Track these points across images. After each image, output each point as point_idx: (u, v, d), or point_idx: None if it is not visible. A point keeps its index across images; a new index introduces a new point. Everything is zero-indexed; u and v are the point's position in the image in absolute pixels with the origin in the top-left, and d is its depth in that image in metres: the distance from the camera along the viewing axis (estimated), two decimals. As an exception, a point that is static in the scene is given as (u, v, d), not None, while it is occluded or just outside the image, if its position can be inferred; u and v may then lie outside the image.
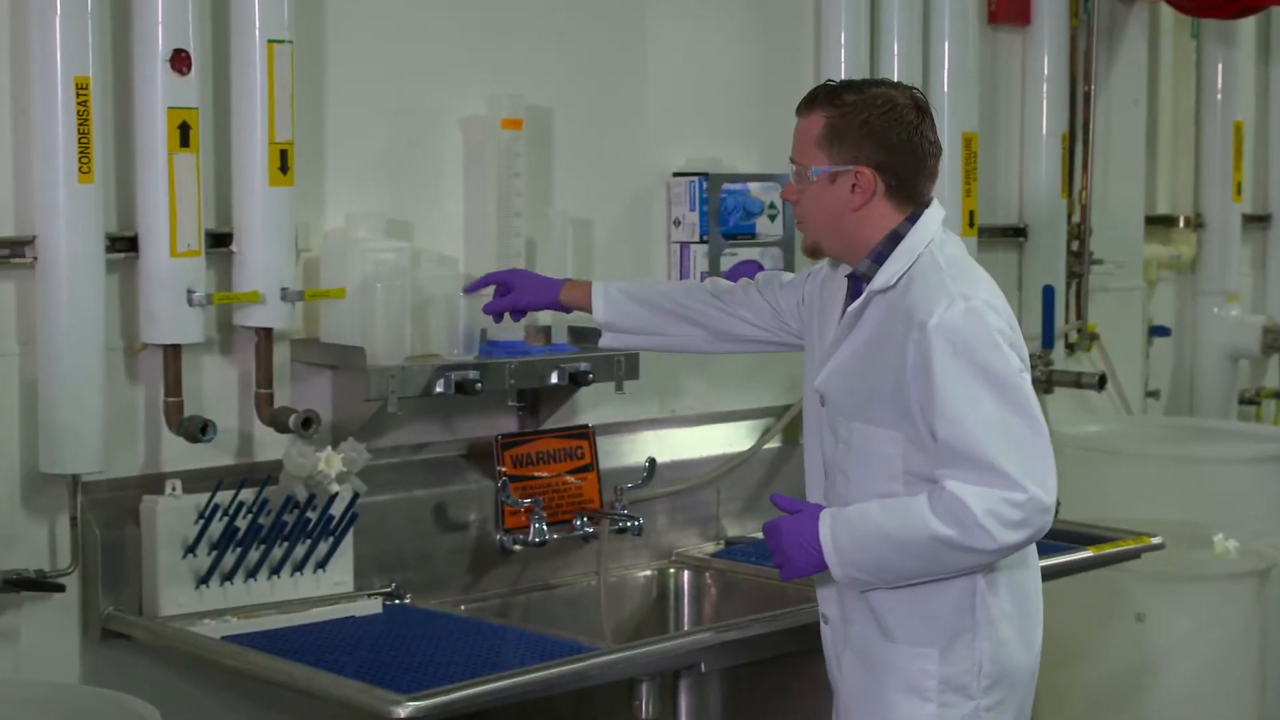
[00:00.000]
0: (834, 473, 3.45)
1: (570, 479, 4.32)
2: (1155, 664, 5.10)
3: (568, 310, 3.90)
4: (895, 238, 3.34)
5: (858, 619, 3.43)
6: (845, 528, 3.31)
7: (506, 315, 3.92)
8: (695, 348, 3.88)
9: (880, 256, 3.35)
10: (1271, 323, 6.79)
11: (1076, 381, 5.63)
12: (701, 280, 3.97)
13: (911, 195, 3.36)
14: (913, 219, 3.36)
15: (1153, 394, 6.56)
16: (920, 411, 3.25)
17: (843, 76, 4.83)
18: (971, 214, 5.27)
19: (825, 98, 3.36)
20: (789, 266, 4.74)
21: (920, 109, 3.37)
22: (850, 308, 3.39)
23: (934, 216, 3.38)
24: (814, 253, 3.49)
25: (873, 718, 3.41)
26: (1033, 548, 3.41)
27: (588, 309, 3.84)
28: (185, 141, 3.63)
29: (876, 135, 3.32)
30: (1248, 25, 6.67)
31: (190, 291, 3.65)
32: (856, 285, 3.42)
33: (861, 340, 3.37)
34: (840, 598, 3.48)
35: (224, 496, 3.68)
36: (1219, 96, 6.64)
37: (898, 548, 3.26)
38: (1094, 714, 5.14)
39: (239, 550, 3.71)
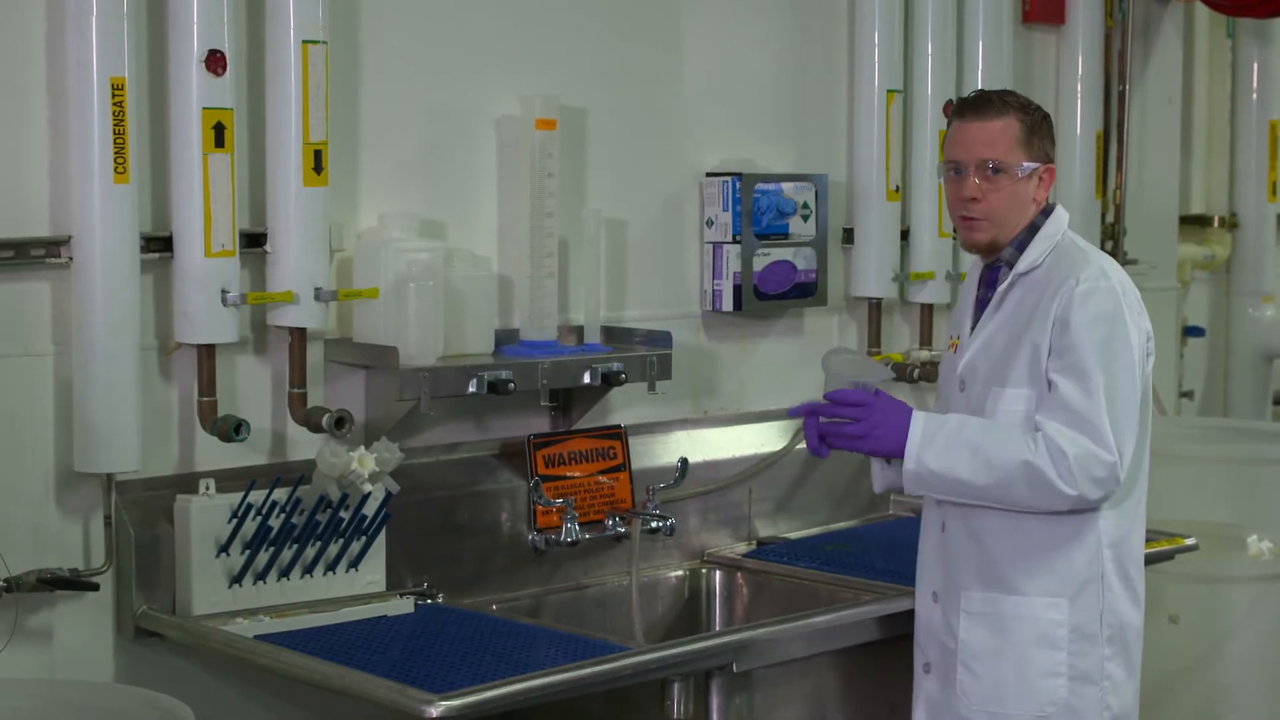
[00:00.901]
0: None
1: (602, 479, 4.32)
2: (1189, 666, 5.08)
3: None
4: (1033, 228, 3.70)
5: (975, 582, 3.66)
6: (938, 425, 3.61)
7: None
8: None
9: (1021, 244, 3.69)
10: (1307, 323, 6.76)
11: (1110, 382, 5.59)
12: None
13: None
14: (1045, 212, 3.72)
15: (1187, 394, 6.54)
16: (1046, 361, 3.57)
17: (877, 77, 4.89)
18: (1005, 214, 5.26)
19: (1004, 103, 3.69)
20: (821, 267, 4.74)
21: None
22: (998, 290, 3.70)
23: (1064, 213, 3.75)
24: (990, 247, 3.71)
25: (1005, 673, 3.63)
26: (1141, 518, 3.74)
27: None
28: (220, 142, 3.64)
29: (1051, 136, 3.74)
30: (1284, 24, 6.65)
31: (224, 291, 3.66)
32: (992, 275, 3.73)
33: (1003, 318, 3.67)
34: (946, 569, 3.71)
35: (257, 496, 3.69)
36: (1254, 96, 6.63)
37: (983, 462, 3.56)
38: (1127, 715, 5.12)
39: (272, 549, 3.72)
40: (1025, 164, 3.65)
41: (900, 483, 3.70)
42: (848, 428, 3.65)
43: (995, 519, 3.63)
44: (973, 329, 3.75)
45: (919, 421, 3.61)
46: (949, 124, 3.77)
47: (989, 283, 3.76)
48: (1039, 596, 3.62)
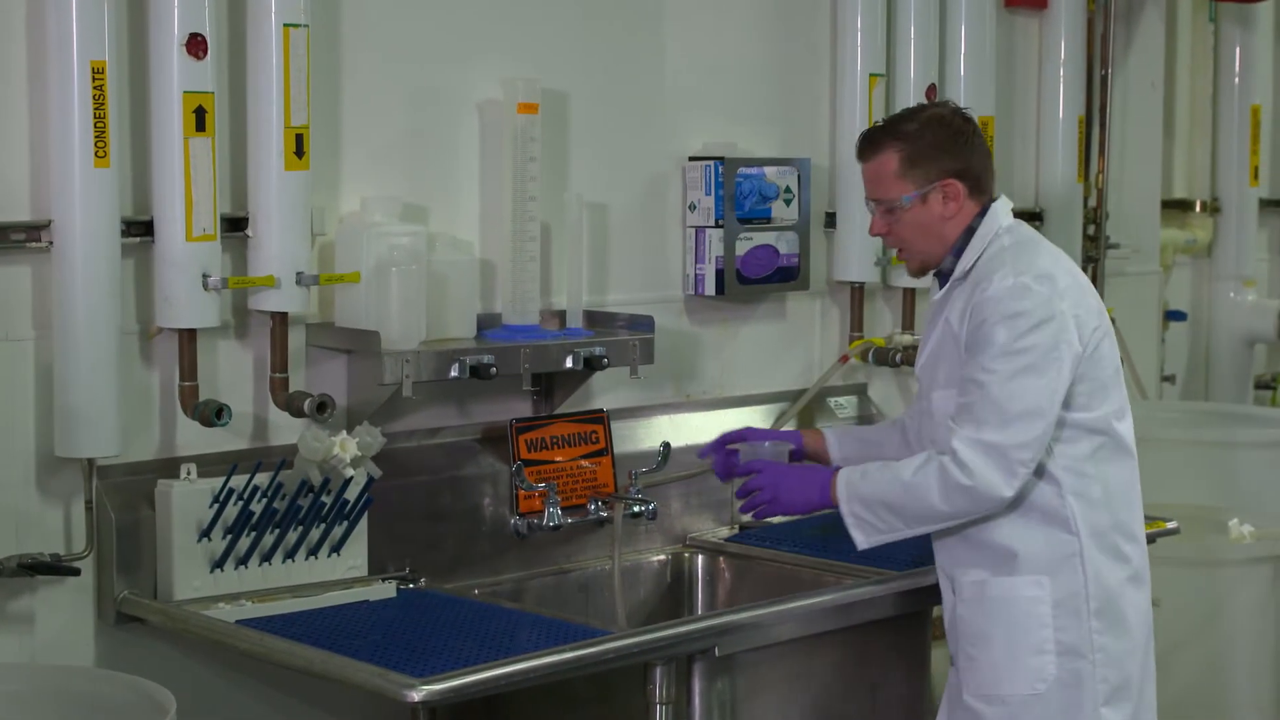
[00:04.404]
0: (926, 447, 3.75)
1: (585, 463, 4.32)
2: (1170, 649, 5.08)
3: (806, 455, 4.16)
4: (969, 232, 3.72)
5: (966, 567, 3.70)
6: (859, 473, 3.72)
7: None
8: None
9: (959, 251, 3.72)
10: (1287, 307, 6.77)
11: (1092, 366, 5.60)
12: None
13: (984, 191, 3.75)
14: (983, 213, 3.73)
15: (1168, 378, 6.55)
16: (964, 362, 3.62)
17: (859, 61, 4.90)
18: (987, 198, 5.26)
19: (886, 135, 3.74)
20: (804, 251, 4.74)
21: (966, 118, 3.77)
22: (935, 297, 3.78)
23: (1003, 207, 3.75)
24: (921, 272, 3.81)
25: (996, 655, 3.66)
26: (1125, 493, 3.71)
27: (823, 452, 4.13)
28: (201, 125, 3.63)
29: (947, 148, 3.70)
30: (1266, 8, 6.66)
31: (205, 275, 3.66)
32: (942, 280, 3.77)
33: (941, 323, 3.70)
34: (947, 559, 3.76)
35: (239, 480, 3.68)
36: (1236, 80, 6.63)
37: (904, 488, 3.64)
38: (1108, 699, 5.13)
39: (254, 534, 3.72)
40: (908, 195, 3.69)
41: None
42: (755, 497, 3.84)
43: None
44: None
45: (841, 475, 3.74)
46: None
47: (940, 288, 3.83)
48: (1020, 575, 3.64)
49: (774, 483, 3.83)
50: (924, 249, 3.74)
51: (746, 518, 3.95)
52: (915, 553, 4.03)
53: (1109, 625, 3.66)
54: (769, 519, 3.91)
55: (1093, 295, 3.71)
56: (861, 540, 3.72)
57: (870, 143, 3.76)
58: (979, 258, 3.68)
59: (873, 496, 3.68)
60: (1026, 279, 3.57)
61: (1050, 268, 3.64)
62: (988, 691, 3.67)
